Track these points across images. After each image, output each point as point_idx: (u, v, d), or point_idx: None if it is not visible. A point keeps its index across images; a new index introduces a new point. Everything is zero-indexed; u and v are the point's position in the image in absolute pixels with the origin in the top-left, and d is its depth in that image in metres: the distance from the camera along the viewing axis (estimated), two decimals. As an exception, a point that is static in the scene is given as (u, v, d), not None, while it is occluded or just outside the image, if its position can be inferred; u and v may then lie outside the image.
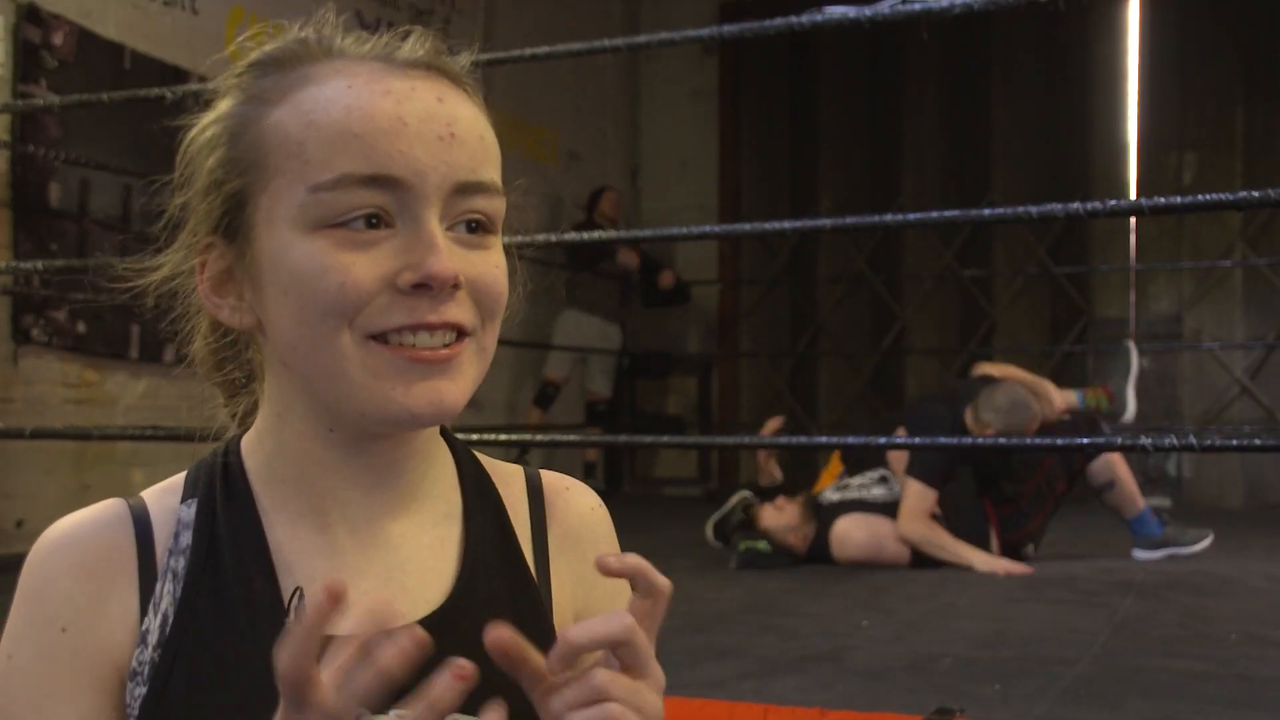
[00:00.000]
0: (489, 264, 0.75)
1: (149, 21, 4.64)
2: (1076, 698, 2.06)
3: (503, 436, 2.82)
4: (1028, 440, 3.98)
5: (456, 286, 0.73)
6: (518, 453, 6.38)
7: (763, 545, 3.92)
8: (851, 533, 3.98)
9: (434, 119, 0.73)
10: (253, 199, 0.75)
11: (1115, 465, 4.06)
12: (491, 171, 0.76)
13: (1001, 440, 3.78)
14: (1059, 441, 3.91)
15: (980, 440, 3.70)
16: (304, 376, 0.75)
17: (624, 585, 0.87)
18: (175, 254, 0.82)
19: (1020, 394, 3.98)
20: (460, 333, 0.74)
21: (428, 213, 0.72)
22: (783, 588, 3.50)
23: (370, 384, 0.72)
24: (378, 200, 0.71)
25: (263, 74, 0.77)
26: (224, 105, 0.78)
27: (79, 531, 0.78)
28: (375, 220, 0.72)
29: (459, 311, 0.73)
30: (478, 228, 0.76)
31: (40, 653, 0.75)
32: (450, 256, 0.72)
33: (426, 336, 0.73)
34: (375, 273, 0.71)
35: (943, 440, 3.52)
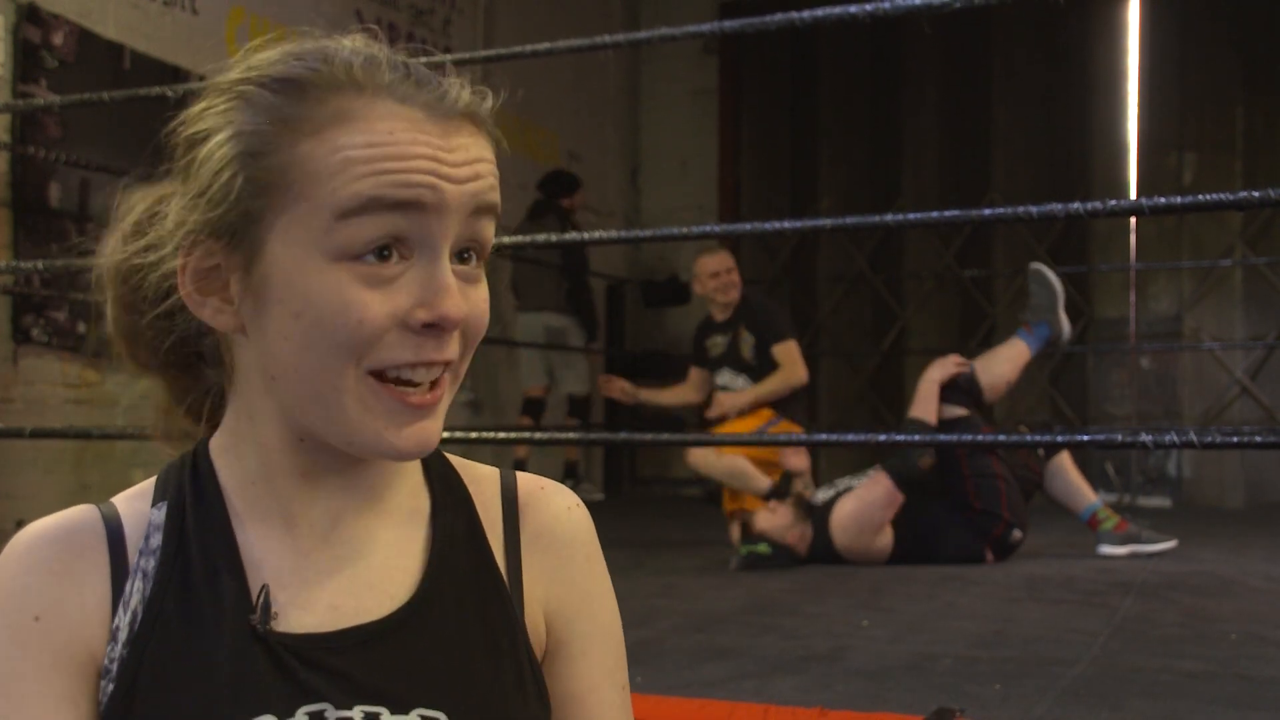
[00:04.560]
0: (480, 297, 0.78)
1: (149, 21, 4.64)
2: (1076, 698, 2.06)
3: (501, 435, 2.82)
4: (1028, 437, 3.98)
5: (459, 328, 0.76)
6: (563, 473, 6.35)
7: (763, 548, 3.92)
8: (843, 508, 4.00)
9: (464, 165, 0.75)
10: (268, 218, 0.74)
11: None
12: (497, 197, 0.78)
13: (1001, 437, 3.78)
14: (1059, 438, 3.90)
15: (979, 438, 3.69)
16: (292, 396, 0.76)
17: (599, 583, 0.89)
18: (166, 241, 0.80)
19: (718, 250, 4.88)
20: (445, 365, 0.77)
21: (444, 245, 0.74)
22: (783, 588, 3.50)
23: (363, 418, 0.75)
24: (399, 226, 0.72)
25: (292, 96, 0.74)
26: (240, 117, 0.74)
27: (51, 533, 0.79)
28: (389, 253, 0.73)
29: (453, 349, 0.76)
30: (472, 257, 0.77)
31: (12, 638, 0.76)
32: (461, 298, 0.75)
33: (424, 372, 0.75)
34: (389, 309, 0.73)
35: (942, 436, 3.52)
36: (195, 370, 0.86)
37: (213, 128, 0.76)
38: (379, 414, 0.75)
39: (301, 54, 0.75)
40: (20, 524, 4.34)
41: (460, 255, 0.76)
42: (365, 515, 0.82)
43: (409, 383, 0.75)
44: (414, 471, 0.86)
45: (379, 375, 0.74)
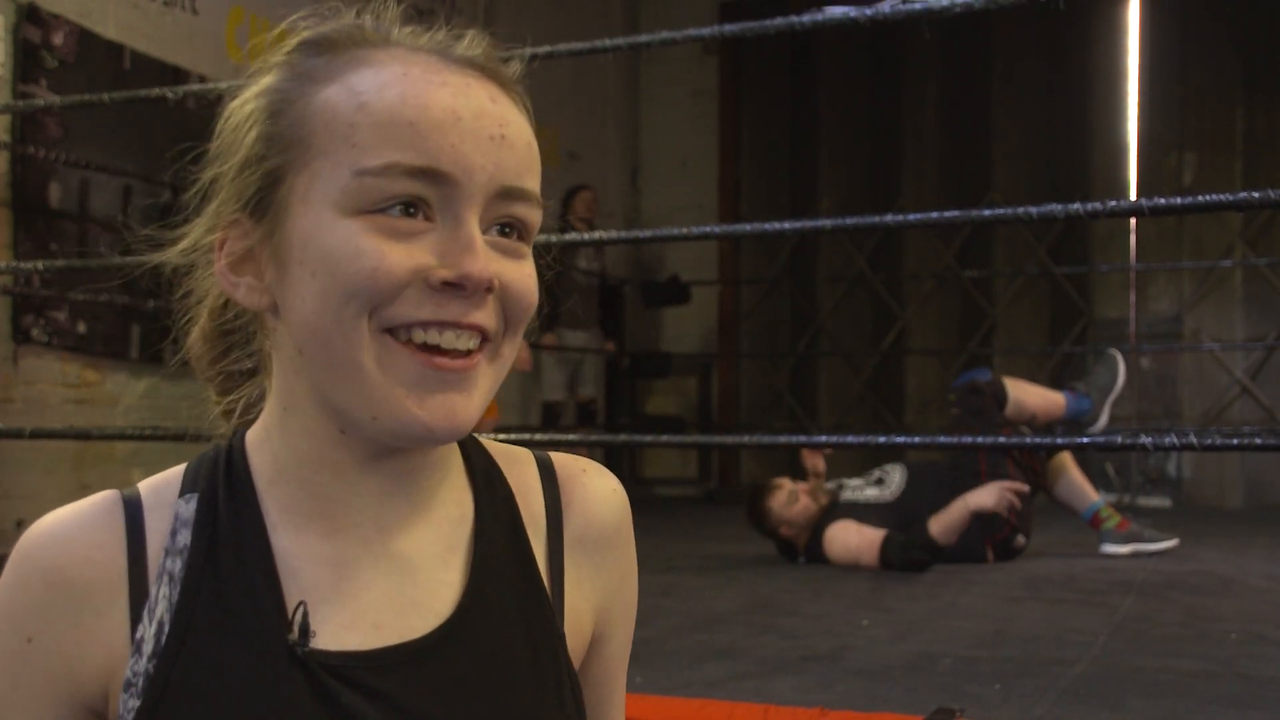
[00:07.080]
0: (522, 272, 0.74)
1: (149, 21, 4.64)
2: (1076, 698, 2.06)
3: (501, 436, 2.82)
4: (1027, 439, 3.98)
5: (489, 290, 0.71)
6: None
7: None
8: (837, 541, 3.96)
9: (487, 117, 0.73)
10: (290, 177, 0.72)
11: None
12: (534, 181, 0.76)
13: (1002, 439, 3.78)
14: (1059, 440, 3.91)
15: (978, 439, 3.70)
16: (318, 367, 0.72)
17: (631, 562, 0.87)
18: (198, 227, 0.79)
19: None
20: (483, 338, 0.73)
21: (469, 212, 0.71)
22: (783, 588, 3.50)
23: (384, 384, 0.70)
24: (422, 192, 0.70)
25: (314, 54, 0.75)
26: (268, 80, 0.76)
27: (63, 529, 0.75)
28: (415, 211, 0.71)
29: (486, 316, 0.72)
30: (513, 233, 0.75)
31: (2, 661, 0.73)
32: (488, 260, 0.71)
33: (452, 336, 0.71)
34: (410, 264, 0.69)
35: (943, 439, 3.52)
36: (242, 379, 0.85)
37: (242, 100, 0.77)
38: (399, 379, 0.70)
39: (335, 22, 0.77)
40: (20, 524, 4.35)
41: (502, 230, 0.74)
42: (414, 526, 0.77)
43: (435, 349, 0.70)
44: (459, 473, 0.81)
45: (397, 336, 0.70)
